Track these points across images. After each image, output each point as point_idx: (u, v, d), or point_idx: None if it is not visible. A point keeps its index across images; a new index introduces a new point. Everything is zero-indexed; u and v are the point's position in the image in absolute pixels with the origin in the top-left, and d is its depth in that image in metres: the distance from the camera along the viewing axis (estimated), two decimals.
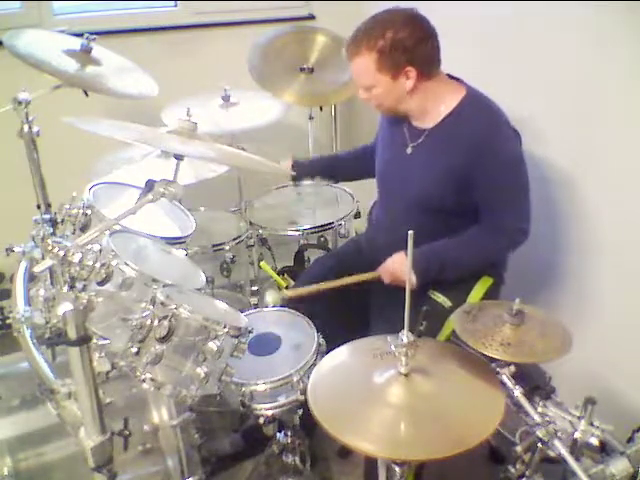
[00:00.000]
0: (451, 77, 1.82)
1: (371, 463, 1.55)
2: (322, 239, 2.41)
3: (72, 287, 1.10)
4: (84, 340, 1.10)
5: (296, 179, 2.31)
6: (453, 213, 1.79)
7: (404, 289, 1.19)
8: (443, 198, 1.78)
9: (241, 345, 1.41)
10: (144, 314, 1.31)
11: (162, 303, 1.32)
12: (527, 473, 1.28)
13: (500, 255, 1.91)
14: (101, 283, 1.19)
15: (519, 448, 1.27)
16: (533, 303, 1.42)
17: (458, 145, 1.72)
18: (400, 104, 1.79)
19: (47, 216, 1.80)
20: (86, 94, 1.93)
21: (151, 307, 1.32)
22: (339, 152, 2.29)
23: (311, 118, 2.70)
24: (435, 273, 1.75)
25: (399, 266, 1.76)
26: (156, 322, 1.30)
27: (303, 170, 2.21)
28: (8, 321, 1.55)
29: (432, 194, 1.79)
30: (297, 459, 1.76)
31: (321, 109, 2.73)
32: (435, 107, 1.78)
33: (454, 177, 1.73)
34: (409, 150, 1.84)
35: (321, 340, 1.68)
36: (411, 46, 1.68)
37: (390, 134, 1.94)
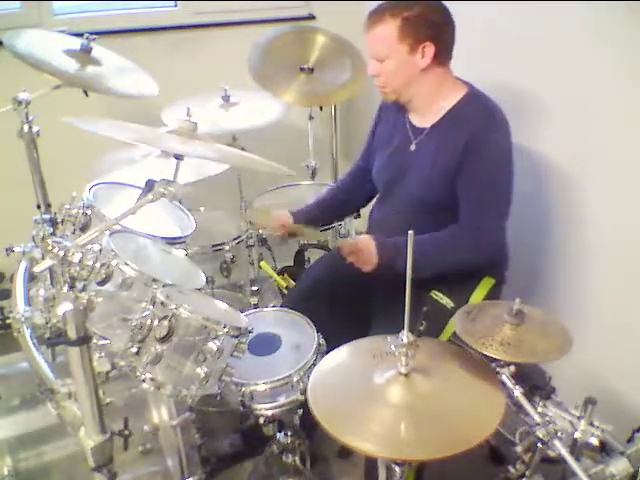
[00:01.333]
0: (457, 79, 1.82)
1: (371, 463, 1.55)
2: (322, 239, 2.41)
3: (72, 287, 1.10)
4: (84, 340, 1.10)
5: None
6: (450, 211, 1.78)
7: (404, 290, 1.19)
8: (442, 196, 1.77)
9: (241, 345, 1.42)
10: (144, 314, 1.32)
11: (162, 303, 1.32)
12: (527, 473, 1.28)
13: (480, 257, 1.78)
14: (101, 283, 1.18)
15: (519, 448, 1.27)
16: (533, 303, 1.42)
17: (455, 143, 1.72)
18: (408, 86, 1.77)
19: (47, 216, 1.80)
20: (86, 94, 1.93)
21: (151, 307, 1.33)
22: (325, 194, 2.21)
23: (311, 118, 2.70)
24: (401, 265, 1.51)
25: (364, 249, 1.71)
26: (156, 322, 1.31)
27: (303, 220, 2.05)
28: (8, 321, 1.55)
29: (432, 192, 1.78)
30: (297, 459, 1.76)
31: (321, 109, 2.72)
32: (437, 101, 1.78)
33: (451, 175, 1.73)
34: (413, 147, 1.84)
35: (321, 340, 1.67)
36: (437, 23, 1.70)
37: (392, 133, 1.93)
